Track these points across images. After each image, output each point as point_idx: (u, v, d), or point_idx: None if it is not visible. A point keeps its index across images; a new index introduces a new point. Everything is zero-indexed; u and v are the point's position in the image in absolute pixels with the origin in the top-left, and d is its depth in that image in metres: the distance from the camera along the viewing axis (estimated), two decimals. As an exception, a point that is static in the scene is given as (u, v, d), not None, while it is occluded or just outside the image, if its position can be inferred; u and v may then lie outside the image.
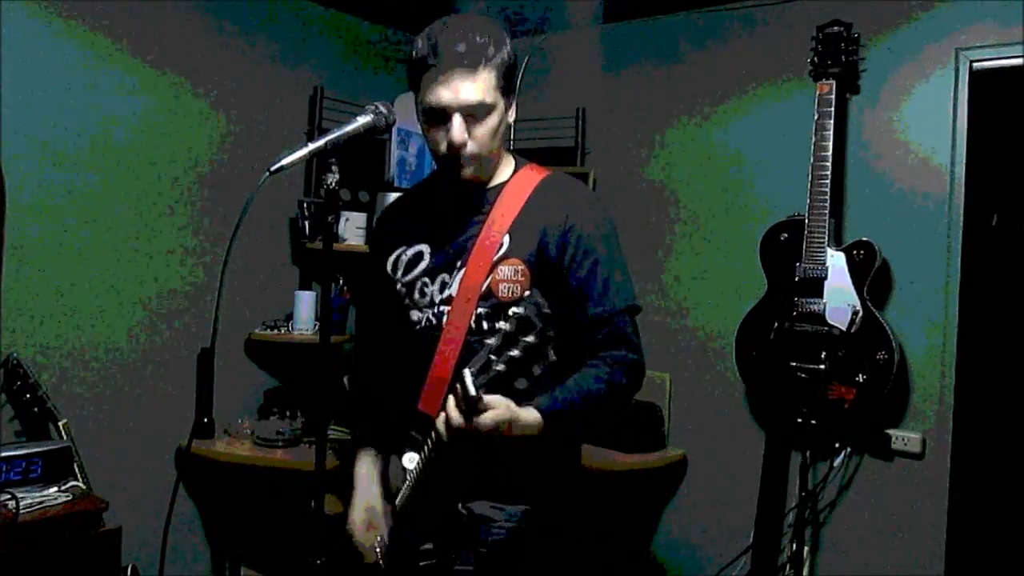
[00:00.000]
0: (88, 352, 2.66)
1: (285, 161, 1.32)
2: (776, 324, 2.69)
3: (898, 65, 2.70)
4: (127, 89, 2.71)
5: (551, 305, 1.20)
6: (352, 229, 3.09)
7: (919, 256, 2.64)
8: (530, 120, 3.32)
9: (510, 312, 1.20)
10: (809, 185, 2.62)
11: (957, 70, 2.60)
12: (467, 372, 1.23)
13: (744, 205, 3.00)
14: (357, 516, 1.65)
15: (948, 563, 2.59)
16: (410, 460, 1.48)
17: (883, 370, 2.52)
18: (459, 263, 1.55)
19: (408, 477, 1.49)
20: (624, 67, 3.34)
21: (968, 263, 2.59)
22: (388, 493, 1.62)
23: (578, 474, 1.67)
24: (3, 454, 2.23)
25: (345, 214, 3.09)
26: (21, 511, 2.11)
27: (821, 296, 2.60)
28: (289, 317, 3.09)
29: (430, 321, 1.57)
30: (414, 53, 1.48)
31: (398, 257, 1.65)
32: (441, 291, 1.57)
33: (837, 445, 2.74)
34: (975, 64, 2.58)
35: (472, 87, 1.43)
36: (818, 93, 2.63)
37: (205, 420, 2.86)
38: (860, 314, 2.55)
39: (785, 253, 2.69)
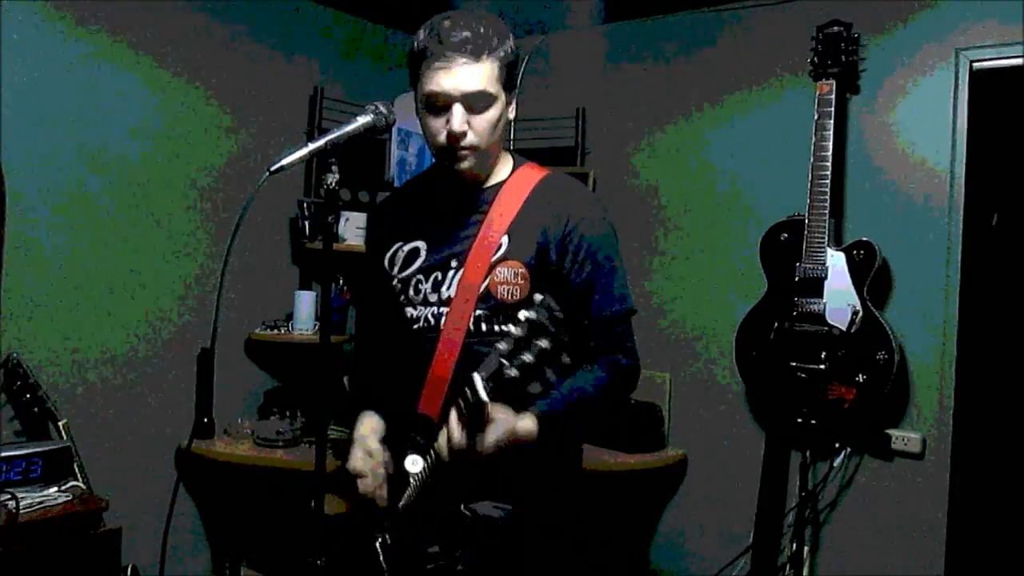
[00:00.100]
0: (88, 352, 2.66)
1: (285, 161, 1.32)
2: (776, 324, 2.69)
3: (898, 65, 2.70)
4: (127, 89, 2.71)
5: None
6: (352, 229, 3.09)
7: (919, 256, 2.64)
8: (530, 120, 3.32)
9: (521, 316, 1.19)
10: (809, 185, 2.62)
11: (957, 70, 2.60)
12: (477, 376, 1.22)
13: (744, 205, 3.00)
14: (359, 459, 1.57)
15: (948, 563, 2.59)
16: (413, 463, 1.48)
17: (883, 370, 2.52)
18: (455, 262, 1.55)
19: (412, 480, 1.49)
20: (624, 67, 3.34)
21: (968, 263, 2.59)
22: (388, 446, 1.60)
23: (578, 475, 1.67)
24: (3, 454, 2.23)
25: (345, 214, 3.08)
26: (21, 511, 2.11)
27: (821, 296, 2.60)
28: (289, 317, 3.09)
29: (428, 321, 1.56)
30: (415, 44, 1.47)
31: (395, 253, 1.64)
32: (435, 289, 1.56)
33: (837, 445, 2.74)
34: (975, 64, 2.58)
35: (474, 76, 1.43)
36: (818, 93, 2.63)
37: (205, 420, 2.86)
38: (860, 314, 2.55)
39: (785, 253, 2.69)
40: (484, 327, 1.51)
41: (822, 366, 2.59)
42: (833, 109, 2.60)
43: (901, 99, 2.70)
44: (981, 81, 2.58)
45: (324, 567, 1.51)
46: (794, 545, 2.75)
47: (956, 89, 2.61)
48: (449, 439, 1.34)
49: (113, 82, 2.67)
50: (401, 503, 1.53)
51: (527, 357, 1.17)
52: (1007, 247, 2.84)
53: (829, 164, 2.59)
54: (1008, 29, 2.50)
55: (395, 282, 1.62)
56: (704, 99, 3.12)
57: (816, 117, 2.62)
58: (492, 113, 1.47)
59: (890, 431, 2.69)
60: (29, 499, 2.17)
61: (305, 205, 3.06)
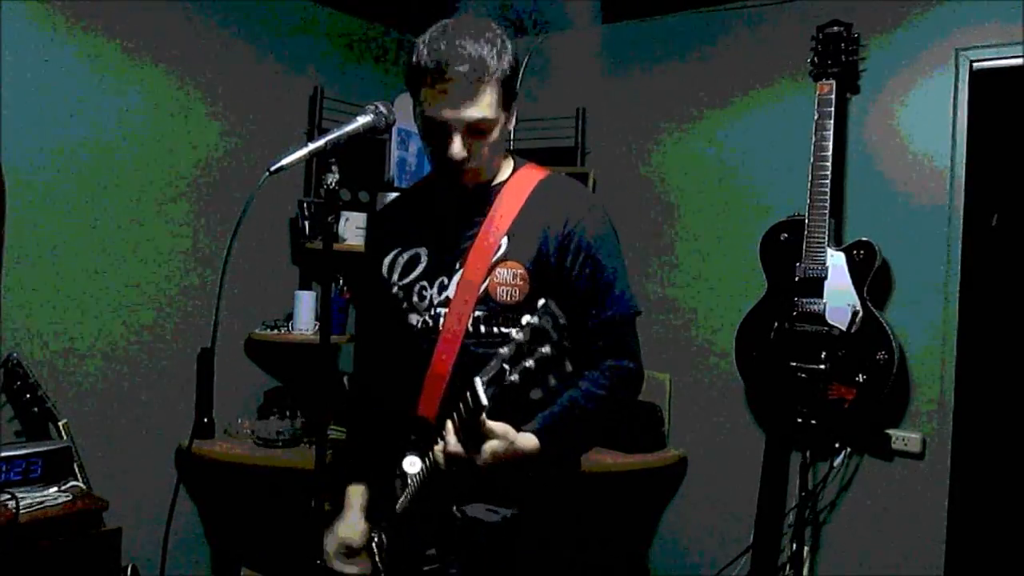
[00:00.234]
0: (88, 352, 2.66)
1: (285, 161, 1.32)
2: (776, 324, 2.69)
3: (898, 65, 2.70)
4: (127, 89, 2.71)
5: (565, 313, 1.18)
6: (352, 229, 3.09)
7: (919, 256, 2.64)
8: (530, 120, 3.32)
9: (524, 321, 1.18)
10: (809, 185, 2.62)
11: (957, 70, 2.60)
12: (478, 380, 1.21)
13: (744, 205, 3.00)
14: (330, 545, 1.63)
15: (948, 563, 2.59)
16: (411, 464, 1.48)
17: (883, 370, 2.52)
18: (457, 264, 1.54)
19: (409, 482, 1.49)
20: (624, 67, 3.34)
21: (968, 263, 2.59)
22: (374, 515, 1.64)
23: (577, 477, 1.67)
24: (3, 454, 2.23)
25: (345, 214, 3.08)
26: (21, 511, 2.11)
27: (821, 296, 2.60)
28: (289, 317, 3.08)
29: (427, 323, 1.56)
30: (414, 59, 1.44)
31: (394, 260, 1.63)
32: (440, 294, 1.55)
33: (837, 445, 2.74)
34: (975, 64, 2.58)
35: (474, 105, 1.41)
36: (818, 93, 2.63)
37: (205, 420, 2.86)
38: (860, 314, 2.55)
39: (785, 253, 2.69)
40: (483, 328, 1.50)
41: (822, 366, 2.59)
42: (833, 109, 2.61)
43: (901, 99, 2.70)
44: (981, 81, 2.58)
45: (324, 567, 1.51)
46: (794, 545, 2.75)
47: (956, 89, 2.61)
48: (445, 446, 1.34)
49: (113, 82, 2.67)
50: (398, 504, 1.52)
51: (529, 363, 1.17)
52: (1007, 247, 2.84)
53: (829, 164, 2.59)
54: (1008, 29, 2.50)
55: (395, 289, 1.61)
56: (704, 99, 3.12)
57: (816, 117, 2.62)
58: (492, 135, 1.46)
59: (890, 431, 2.69)
60: (29, 499, 2.17)
61: (305, 205, 3.06)
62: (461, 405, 1.30)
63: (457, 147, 1.43)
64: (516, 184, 1.56)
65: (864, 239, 2.59)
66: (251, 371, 3.13)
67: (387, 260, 1.64)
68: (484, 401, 1.20)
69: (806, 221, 2.62)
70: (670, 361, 3.14)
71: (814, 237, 2.61)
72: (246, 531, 3.07)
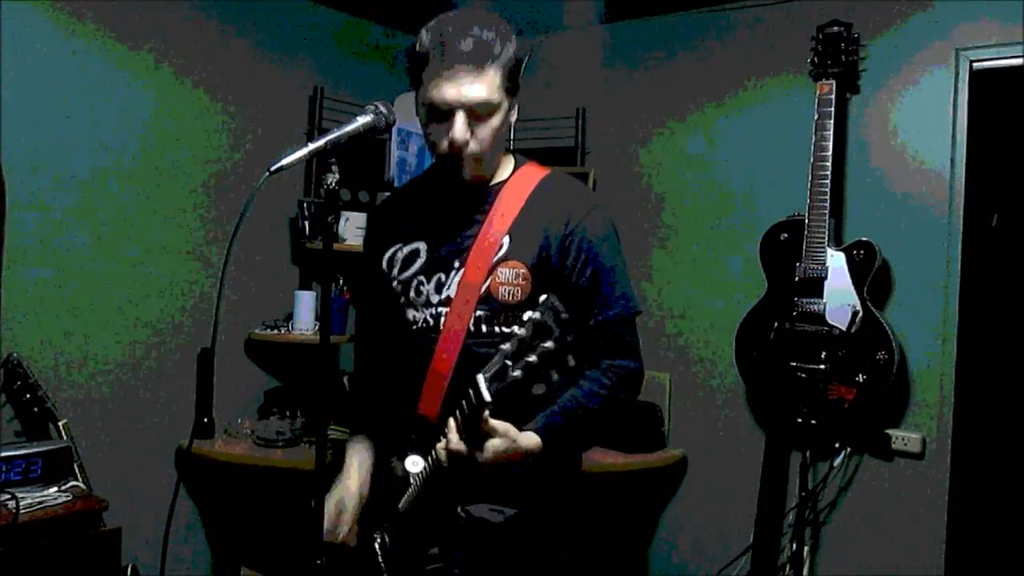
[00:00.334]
0: (88, 352, 2.66)
1: (285, 161, 1.31)
2: (776, 324, 2.69)
3: (898, 65, 2.70)
4: (126, 89, 2.71)
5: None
6: (352, 229, 3.09)
7: (919, 256, 2.64)
8: (530, 120, 3.32)
9: (526, 317, 1.18)
10: (809, 185, 2.62)
11: (957, 70, 2.60)
12: (481, 377, 1.21)
13: (744, 205, 3.00)
14: (327, 511, 1.58)
15: (948, 563, 2.59)
16: (413, 464, 1.47)
17: (883, 370, 2.52)
18: (457, 263, 1.54)
19: (412, 481, 1.49)
20: (624, 67, 3.34)
21: (968, 263, 2.59)
22: (379, 484, 1.61)
23: (578, 477, 1.67)
24: (3, 454, 2.23)
25: (345, 214, 3.08)
26: (21, 511, 2.11)
27: (821, 296, 2.60)
28: (289, 317, 3.08)
29: (427, 322, 1.56)
30: (417, 47, 1.44)
31: (393, 254, 1.62)
32: (437, 291, 1.55)
33: (837, 445, 2.74)
34: (975, 64, 2.58)
35: (477, 86, 1.41)
36: (818, 93, 2.63)
37: (205, 420, 2.86)
38: (860, 314, 2.55)
39: (785, 253, 2.69)
40: (484, 328, 1.50)
41: (822, 366, 2.59)
42: (833, 109, 2.61)
43: (901, 99, 2.70)
44: (981, 81, 2.58)
45: (324, 567, 1.51)
46: (794, 545, 2.75)
47: (956, 89, 2.61)
48: (448, 443, 1.33)
49: (113, 82, 2.67)
50: (401, 504, 1.52)
51: (531, 358, 1.16)
52: (1007, 247, 2.84)
53: (829, 164, 2.59)
54: (1008, 29, 2.50)
55: (395, 284, 1.61)
56: (704, 99, 3.12)
57: (816, 117, 2.62)
58: (495, 120, 1.46)
59: (890, 431, 2.69)
60: (29, 499, 2.17)
61: (305, 205, 3.06)
62: (464, 402, 1.30)
63: (459, 129, 1.43)
64: (517, 183, 1.56)
65: (864, 239, 2.59)
66: (251, 371, 3.13)
67: (387, 255, 1.63)
68: (487, 397, 1.20)
69: (806, 221, 2.62)
70: (670, 361, 3.14)
71: (814, 237, 2.61)
72: (246, 531, 3.07)
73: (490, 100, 1.43)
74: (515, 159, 1.61)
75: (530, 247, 1.50)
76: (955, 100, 2.61)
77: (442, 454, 1.36)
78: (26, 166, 2.46)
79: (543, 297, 1.19)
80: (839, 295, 2.58)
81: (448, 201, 1.58)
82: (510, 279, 1.49)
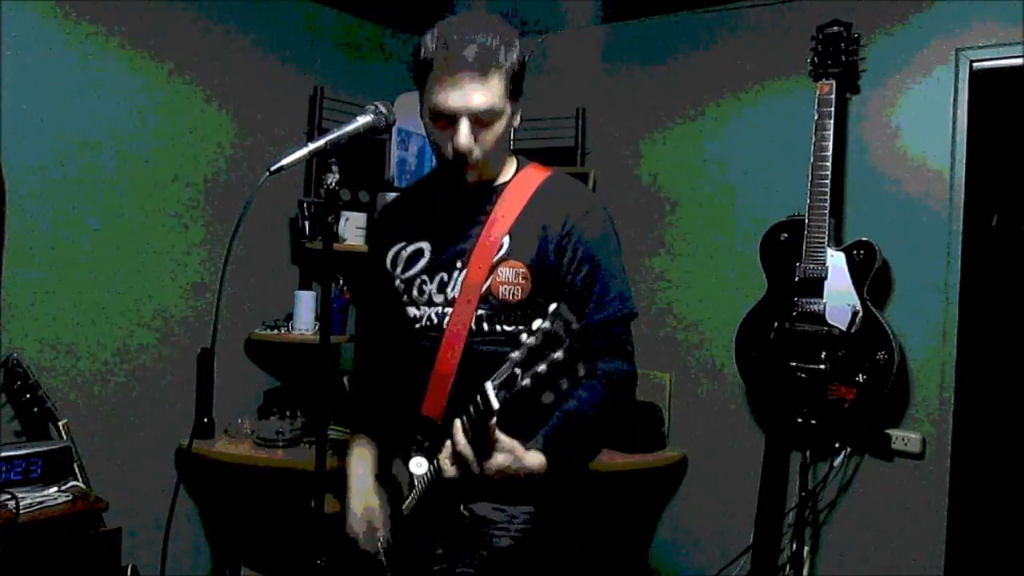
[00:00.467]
0: (88, 352, 2.66)
1: (285, 161, 1.32)
2: (776, 324, 2.69)
3: (898, 65, 2.70)
4: (126, 88, 2.71)
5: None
6: (352, 229, 3.09)
7: (919, 256, 2.64)
8: (530, 120, 3.28)
9: (535, 325, 1.18)
10: (809, 185, 2.62)
11: (957, 70, 2.60)
12: (489, 385, 1.21)
13: (744, 205, 3.00)
14: (357, 522, 1.61)
15: (948, 563, 2.59)
16: (418, 465, 1.47)
17: (883, 370, 2.52)
18: (459, 263, 1.55)
19: (416, 483, 1.49)
20: (624, 67, 3.34)
21: (968, 263, 2.59)
22: (383, 486, 1.61)
23: (583, 478, 1.67)
24: (3, 454, 2.23)
25: (345, 214, 3.08)
26: (21, 511, 2.11)
27: (821, 296, 2.60)
28: (289, 317, 3.09)
29: (431, 320, 1.56)
30: (422, 52, 1.45)
31: (397, 253, 1.64)
32: (440, 290, 1.56)
33: (837, 445, 2.74)
34: (975, 64, 2.58)
35: (482, 93, 1.42)
36: (818, 93, 2.63)
37: (205, 420, 2.86)
38: (860, 314, 2.55)
39: (785, 253, 2.69)
40: (486, 327, 1.51)
41: (822, 366, 2.59)
42: (833, 109, 2.60)
43: (901, 99, 2.70)
44: (981, 81, 2.58)
45: (324, 567, 1.51)
46: (794, 545, 2.75)
47: (956, 89, 2.61)
48: (454, 446, 1.33)
49: (113, 81, 2.67)
50: (405, 505, 1.52)
51: (541, 367, 1.16)
52: (1007, 247, 2.84)
53: (829, 164, 2.59)
54: (1008, 29, 2.50)
55: (397, 283, 1.62)
56: (704, 99, 3.12)
57: (816, 117, 2.62)
58: (499, 126, 1.47)
59: (890, 431, 2.69)
60: (29, 499, 2.17)
61: (305, 205, 3.06)
62: (471, 408, 1.29)
63: (464, 137, 1.43)
64: (519, 184, 1.57)
65: (864, 239, 2.59)
66: (251, 371, 3.13)
67: (391, 254, 1.65)
68: (495, 405, 1.20)
69: (806, 221, 2.62)
70: (670, 361, 3.14)
71: (814, 237, 2.61)
72: (246, 531, 3.07)
73: (494, 107, 1.44)
74: (518, 161, 1.62)
75: (529, 247, 1.51)
76: (955, 100, 2.61)
77: (446, 462, 1.35)
78: (26, 166, 2.46)
79: (553, 306, 1.19)
80: (839, 295, 2.58)
81: (451, 202, 1.59)
82: (510, 278, 1.50)
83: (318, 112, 3.19)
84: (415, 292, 1.59)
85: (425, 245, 1.61)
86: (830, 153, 2.59)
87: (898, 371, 2.54)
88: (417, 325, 1.59)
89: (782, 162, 2.87)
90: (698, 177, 3.13)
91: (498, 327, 1.51)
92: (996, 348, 2.79)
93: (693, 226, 3.14)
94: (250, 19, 3.03)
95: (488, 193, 1.57)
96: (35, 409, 2.41)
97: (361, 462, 1.67)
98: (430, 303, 1.57)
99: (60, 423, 2.42)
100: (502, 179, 1.58)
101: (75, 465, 2.38)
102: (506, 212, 1.54)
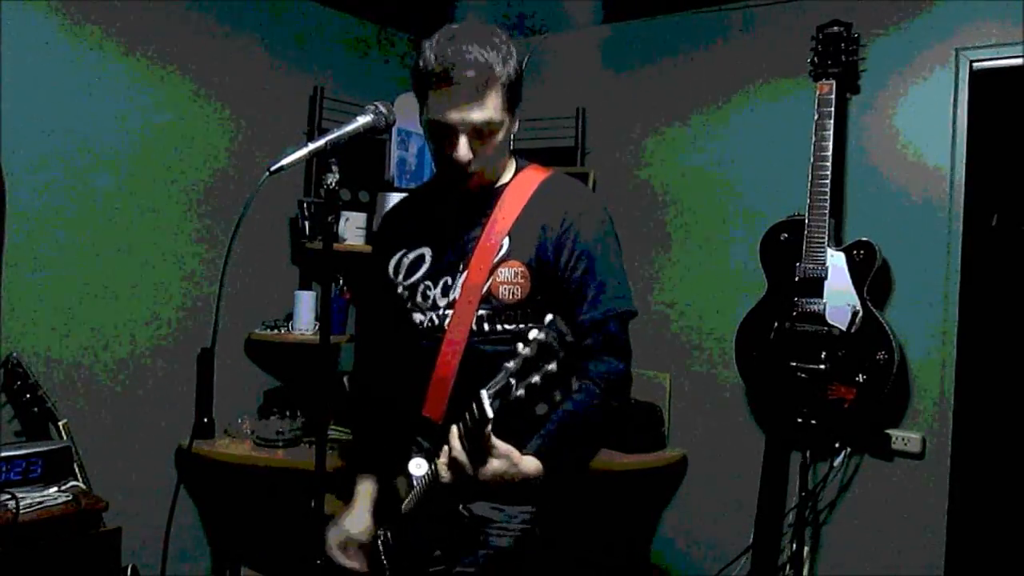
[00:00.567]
0: (88, 352, 2.66)
1: (285, 161, 1.32)
2: (776, 324, 2.69)
3: (898, 65, 2.70)
4: (126, 89, 2.71)
5: (570, 329, 1.19)
6: (352, 229, 3.09)
7: (919, 256, 2.64)
8: (530, 120, 3.31)
9: (531, 336, 1.19)
10: (809, 185, 2.62)
11: (957, 70, 2.60)
12: (484, 393, 1.21)
13: (744, 204, 3.00)
14: (332, 535, 1.65)
15: (948, 563, 2.59)
16: (417, 466, 1.48)
17: (883, 370, 2.52)
18: (461, 266, 1.55)
19: (415, 484, 1.49)
20: (624, 67, 3.34)
21: (968, 263, 2.59)
22: (381, 512, 1.64)
23: (582, 478, 1.67)
24: (3, 454, 2.22)
25: (345, 214, 3.08)
26: (21, 511, 2.11)
27: (821, 296, 2.60)
28: (289, 317, 3.08)
29: (432, 322, 1.57)
30: (421, 64, 1.46)
31: (399, 260, 1.65)
32: (444, 294, 1.57)
33: (837, 445, 2.74)
34: (975, 64, 2.58)
35: (480, 109, 1.43)
36: (818, 93, 2.63)
37: (205, 420, 2.86)
38: (860, 314, 2.55)
39: (785, 253, 2.69)
40: (487, 327, 1.52)
41: (822, 366, 2.59)
42: (833, 109, 2.60)
43: (901, 99, 2.71)
44: (981, 81, 2.58)
45: (324, 567, 1.51)
46: (794, 545, 2.75)
47: (956, 89, 2.61)
48: (450, 451, 1.34)
49: (113, 81, 2.67)
50: (404, 506, 1.53)
51: (535, 379, 1.17)
52: (1007, 247, 2.84)
53: (829, 164, 2.59)
54: (1008, 29, 2.50)
55: (400, 289, 1.63)
56: (704, 99, 3.12)
57: (816, 117, 2.62)
58: (497, 137, 1.48)
59: (890, 431, 2.69)
60: (29, 499, 2.16)
61: (305, 205, 3.06)
62: (467, 415, 1.30)
63: (463, 150, 1.45)
64: (518, 185, 1.58)
65: (864, 239, 2.59)
66: (251, 371, 3.13)
67: (393, 260, 1.66)
68: (489, 414, 1.21)
69: (806, 221, 2.62)
70: (670, 361, 3.14)
71: (814, 237, 2.61)
72: (246, 531, 3.07)
73: (492, 121, 1.45)
74: (517, 162, 1.63)
75: (528, 246, 1.52)
76: (955, 100, 2.61)
77: (443, 468, 1.36)
78: (26, 166, 2.46)
79: (548, 317, 1.20)
80: (839, 295, 2.58)
81: (452, 206, 1.61)
82: (510, 278, 1.51)
83: (318, 112, 3.19)
84: (419, 298, 1.60)
85: (426, 251, 1.62)
86: (830, 153, 2.59)
87: (898, 371, 2.54)
88: (419, 328, 1.59)
89: (782, 162, 2.87)
90: (698, 176, 3.13)
91: (499, 327, 1.51)
92: (996, 348, 2.79)
93: (693, 225, 3.14)
94: (250, 19, 3.03)
95: (488, 196, 1.58)
96: (35, 409, 2.41)
97: (363, 494, 1.69)
98: (433, 307, 1.58)
99: (60, 423, 2.42)
100: (502, 181, 1.60)
101: (75, 465, 2.38)
102: (506, 213, 1.55)
